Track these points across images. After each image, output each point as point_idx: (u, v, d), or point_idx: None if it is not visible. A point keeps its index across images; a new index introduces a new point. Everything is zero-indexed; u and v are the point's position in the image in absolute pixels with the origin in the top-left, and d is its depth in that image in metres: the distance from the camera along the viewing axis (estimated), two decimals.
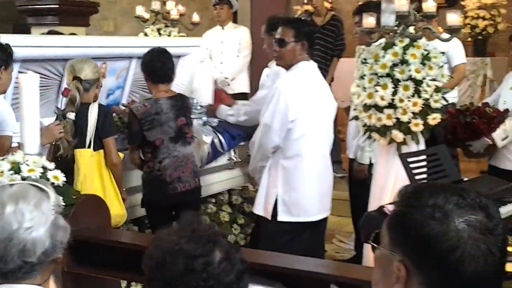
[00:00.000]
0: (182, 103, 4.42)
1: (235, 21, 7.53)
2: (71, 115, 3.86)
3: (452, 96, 6.06)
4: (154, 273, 1.54)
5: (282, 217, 3.92)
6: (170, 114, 4.32)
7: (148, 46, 4.69)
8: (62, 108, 3.95)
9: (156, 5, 7.15)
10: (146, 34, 6.95)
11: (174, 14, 7.01)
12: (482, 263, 1.26)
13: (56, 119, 3.87)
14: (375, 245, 1.42)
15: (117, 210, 3.94)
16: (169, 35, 6.85)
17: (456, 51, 6.02)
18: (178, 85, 5.41)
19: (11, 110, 3.83)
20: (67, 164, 3.77)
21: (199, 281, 1.49)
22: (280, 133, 3.88)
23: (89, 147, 3.93)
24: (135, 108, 4.26)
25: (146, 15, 7.13)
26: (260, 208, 3.99)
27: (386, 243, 1.37)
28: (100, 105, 4.07)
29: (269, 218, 3.94)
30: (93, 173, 3.92)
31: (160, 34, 6.90)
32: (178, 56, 5.41)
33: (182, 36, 6.95)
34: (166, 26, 7.01)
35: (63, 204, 3.24)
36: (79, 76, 3.91)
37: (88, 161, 3.91)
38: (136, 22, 7.26)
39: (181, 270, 1.50)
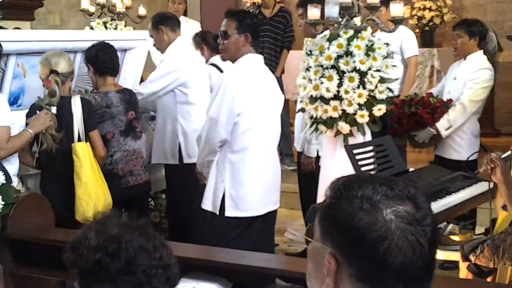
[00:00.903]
0: (130, 97, 4.50)
1: (185, 15, 7.45)
2: (53, 109, 3.92)
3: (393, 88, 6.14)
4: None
5: (229, 212, 3.88)
6: (120, 108, 4.38)
7: (94, 39, 4.67)
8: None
9: None
10: (92, 28, 6.83)
11: (120, 7, 6.91)
12: (410, 254, 1.25)
13: (42, 109, 3.93)
14: (308, 238, 1.41)
15: (108, 200, 4.08)
16: (115, 29, 6.75)
17: (409, 43, 6.07)
18: (125, 79, 5.35)
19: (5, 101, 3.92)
20: (49, 160, 3.95)
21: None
22: (227, 127, 3.84)
23: (79, 140, 4.02)
24: None
25: (92, 9, 7.01)
26: (209, 203, 3.95)
27: (317, 236, 1.36)
28: (82, 98, 4.14)
29: (217, 213, 3.90)
30: (88, 165, 4.01)
31: (106, 27, 6.79)
32: (125, 50, 5.34)
33: (129, 29, 6.85)
34: (112, 19, 6.90)
35: (3, 203, 3.21)
36: (56, 69, 3.97)
37: (84, 154, 4.01)
38: (82, 16, 7.14)
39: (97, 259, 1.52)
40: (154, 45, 5.08)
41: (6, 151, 3.76)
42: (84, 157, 3.99)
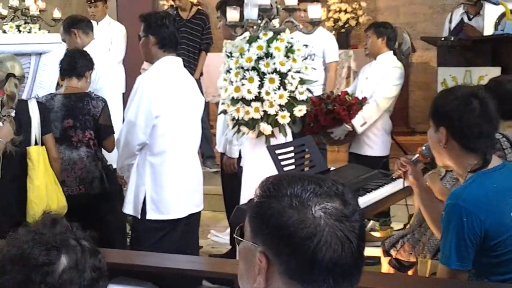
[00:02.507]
0: (75, 104, 4.33)
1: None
2: (12, 112, 3.87)
3: (317, 89, 6.27)
4: None
5: (151, 215, 3.84)
6: (58, 114, 4.28)
7: (6, 43, 4.54)
8: None
9: (14, 1, 6.83)
10: (5, 31, 6.62)
11: (33, 10, 6.72)
12: (340, 249, 1.28)
13: None
14: (239, 238, 1.42)
15: (62, 202, 4.05)
16: (29, 32, 6.57)
17: (331, 48, 6.23)
18: (41, 83, 5.23)
19: None
20: (8, 162, 3.91)
21: None
22: (145, 130, 3.79)
23: (35, 143, 4.01)
24: None
25: (4, 12, 6.81)
26: (130, 207, 3.90)
27: (248, 235, 1.37)
28: (38, 102, 4.13)
29: (139, 217, 3.86)
30: (41, 168, 3.99)
31: (20, 31, 6.59)
32: (40, 54, 5.22)
33: (43, 32, 6.68)
34: (26, 22, 6.71)
35: None
36: (13, 72, 3.94)
37: (39, 157, 3.98)
38: None
39: (19, 280, 1.41)
40: (67, 49, 4.98)
41: None
42: (38, 161, 3.96)
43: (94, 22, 7.01)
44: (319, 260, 1.27)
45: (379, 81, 5.29)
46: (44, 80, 5.34)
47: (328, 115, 5.13)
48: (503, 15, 5.22)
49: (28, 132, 3.98)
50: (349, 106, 5.15)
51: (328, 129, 5.23)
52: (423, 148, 2.88)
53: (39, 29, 6.72)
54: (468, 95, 2.53)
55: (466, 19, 6.00)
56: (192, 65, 7.04)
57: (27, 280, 1.41)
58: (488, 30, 5.45)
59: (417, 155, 2.91)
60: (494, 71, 4.63)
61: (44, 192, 3.96)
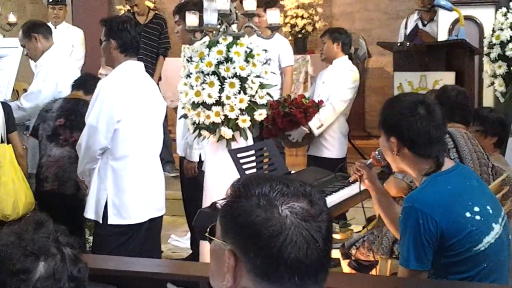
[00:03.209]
0: (71, 106, 4.51)
1: None
2: None
3: (274, 94, 6.33)
4: None
5: (113, 219, 3.83)
6: (54, 114, 4.48)
7: None
8: None
9: None
10: None
11: None
12: (305, 248, 1.31)
13: None
14: (210, 237, 1.44)
15: (30, 198, 4.25)
16: None
17: (286, 53, 6.30)
18: None
19: None
20: None
21: None
22: (107, 134, 3.78)
23: (1, 141, 4.16)
24: None
25: None
26: (91, 211, 3.87)
27: (219, 234, 1.39)
28: (2, 103, 4.31)
29: (100, 221, 3.84)
30: (8, 165, 4.14)
31: None
32: None
33: None
34: None
35: None
36: None
37: (4, 155, 4.13)
38: None
39: None
40: (27, 54, 4.92)
41: None
42: (4, 158, 4.10)
43: (52, 26, 6.97)
44: (284, 258, 1.30)
45: (334, 85, 5.39)
46: (0, 84, 5.27)
47: (285, 117, 5.21)
48: (456, 21, 5.35)
49: None
50: (306, 108, 5.24)
51: (286, 131, 5.31)
52: (376, 152, 2.94)
53: None
54: (414, 103, 2.57)
55: (420, 25, 6.14)
56: (150, 69, 7.00)
57: (1, 285, 1.39)
58: (442, 35, 5.58)
59: (371, 160, 2.97)
60: (449, 76, 4.74)
61: (12, 188, 4.10)
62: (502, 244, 2.54)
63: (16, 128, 4.31)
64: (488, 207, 2.54)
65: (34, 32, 4.83)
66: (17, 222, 1.54)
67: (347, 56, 5.55)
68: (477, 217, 2.47)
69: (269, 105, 4.05)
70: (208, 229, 1.47)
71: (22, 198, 4.16)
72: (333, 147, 5.46)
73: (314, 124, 5.29)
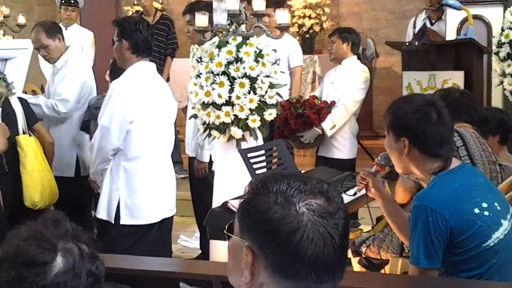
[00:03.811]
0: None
1: None
2: None
3: (283, 94, 6.35)
4: None
5: (125, 220, 3.85)
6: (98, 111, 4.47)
7: None
8: None
9: None
10: None
11: None
12: (322, 245, 1.32)
13: None
14: (228, 234, 1.46)
15: (55, 188, 4.37)
16: None
17: (295, 53, 6.32)
18: None
19: None
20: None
21: None
22: (120, 135, 3.80)
23: (23, 133, 4.28)
24: None
25: None
26: (103, 212, 3.89)
27: (237, 231, 1.41)
28: (19, 98, 4.41)
29: (112, 221, 3.86)
30: (32, 155, 4.26)
31: None
32: (5, 59, 5.16)
33: (8, 38, 6.62)
34: None
35: None
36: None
37: (28, 145, 4.25)
38: None
39: (12, 277, 1.41)
40: (42, 54, 4.91)
41: None
42: (28, 148, 4.22)
43: (62, 27, 7.00)
44: (301, 255, 1.31)
45: (346, 85, 5.36)
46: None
47: (298, 119, 5.17)
48: (464, 20, 5.34)
49: (15, 125, 4.23)
50: (319, 109, 5.21)
51: (298, 132, 5.27)
52: (379, 158, 2.95)
53: (3, 35, 6.67)
54: (426, 105, 2.58)
55: (428, 24, 6.14)
56: (157, 70, 7.02)
57: (19, 278, 1.40)
58: (450, 35, 5.58)
59: (375, 166, 2.98)
60: (457, 75, 4.74)
61: (38, 176, 4.21)
62: (511, 240, 2.55)
63: (38, 120, 4.46)
64: (496, 204, 2.56)
65: (59, 33, 4.84)
66: (34, 219, 1.55)
67: (356, 56, 5.53)
68: (486, 213, 2.49)
69: (279, 105, 4.06)
70: (226, 227, 1.48)
71: (47, 187, 4.27)
72: (344, 147, 5.42)
73: (327, 125, 5.25)
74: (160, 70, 7.14)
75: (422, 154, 2.58)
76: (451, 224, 2.44)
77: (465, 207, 2.48)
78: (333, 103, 5.30)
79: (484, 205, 2.50)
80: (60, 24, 6.88)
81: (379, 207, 3.12)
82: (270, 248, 1.33)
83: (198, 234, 5.43)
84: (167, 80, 7.25)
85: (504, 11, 4.62)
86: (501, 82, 4.45)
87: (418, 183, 3.48)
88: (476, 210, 2.48)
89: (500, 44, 4.34)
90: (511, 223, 2.57)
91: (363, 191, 3.10)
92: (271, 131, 5.04)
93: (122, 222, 3.85)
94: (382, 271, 3.42)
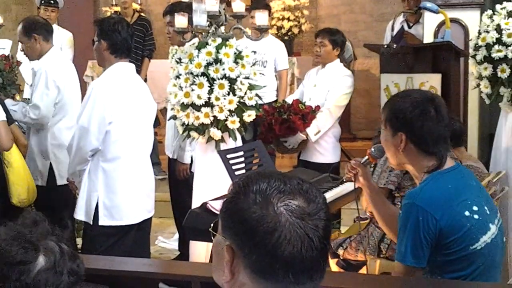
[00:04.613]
0: None
1: None
2: None
3: (271, 96, 6.38)
4: None
5: (104, 221, 3.83)
6: None
7: None
8: None
9: None
10: None
11: None
12: (299, 246, 1.31)
13: None
14: (213, 232, 1.46)
15: (34, 186, 4.41)
16: None
17: (282, 56, 6.34)
18: None
19: None
20: None
21: None
22: (98, 136, 3.78)
23: None
24: None
25: None
26: (82, 213, 3.87)
27: (219, 229, 1.42)
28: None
29: (91, 222, 3.84)
30: (15, 152, 4.32)
31: None
32: None
33: None
34: None
35: None
36: None
37: (14, 144, 4.30)
38: None
39: None
40: (22, 49, 4.84)
41: None
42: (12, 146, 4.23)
43: None
44: (278, 255, 1.31)
45: (330, 89, 5.32)
46: None
47: (283, 124, 5.12)
48: (442, 23, 5.38)
49: None
50: (304, 115, 5.17)
51: (282, 138, 5.23)
52: (372, 149, 2.95)
53: None
54: (425, 102, 2.58)
55: (406, 27, 6.18)
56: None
57: (2, 277, 1.41)
58: (428, 38, 5.62)
59: (367, 157, 2.98)
60: (435, 78, 4.77)
61: (23, 173, 4.27)
62: (497, 245, 2.57)
63: (13, 121, 4.41)
64: (486, 208, 2.57)
65: (35, 33, 4.69)
66: (15, 220, 1.56)
67: (338, 60, 5.51)
68: (476, 216, 2.50)
69: (263, 111, 4.06)
70: (211, 224, 1.48)
71: (31, 184, 4.33)
72: (326, 151, 5.36)
73: (312, 130, 5.20)
74: (138, 71, 7.12)
75: (418, 151, 2.58)
76: (441, 225, 2.45)
77: (456, 209, 2.49)
78: (317, 107, 5.27)
79: (475, 208, 2.51)
80: None
81: (356, 208, 3.15)
82: (248, 248, 1.34)
83: (177, 235, 5.42)
84: (144, 81, 7.24)
85: (481, 15, 4.66)
86: (478, 85, 4.48)
87: (387, 190, 3.51)
88: (467, 213, 2.49)
89: (477, 47, 4.37)
90: (498, 228, 2.59)
91: (347, 189, 3.11)
92: (254, 136, 5.05)
93: (101, 223, 3.83)
94: (360, 271, 3.45)
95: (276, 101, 5.89)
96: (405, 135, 2.58)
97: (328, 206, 1.42)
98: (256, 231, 1.32)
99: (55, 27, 6.99)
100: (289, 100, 5.46)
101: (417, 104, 2.58)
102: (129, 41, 3.94)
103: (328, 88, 5.33)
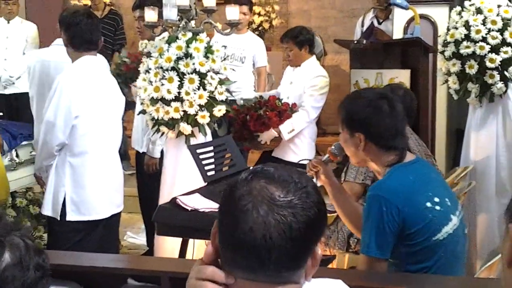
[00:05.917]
0: None
1: None
2: None
3: (249, 92, 6.37)
4: None
5: (71, 216, 3.78)
6: None
7: None
8: None
9: None
10: None
11: None
12: (271, 237, 1.30)
13: None
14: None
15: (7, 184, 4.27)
16: None
17: (261, 53, 6.31)
18: None
19: None
20: None
21: None
22: (65, 130, 3.73)
23: None
24: None
25: None
26: (48, 208, 3.83)
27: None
28: None
29: (58, 218, 3.79)
30: None
31: None
32: None
33: None
34: None
35: None
36: None
37: None
38: None
39: None
40: None
41: None
42: None
43: (4, 21, 6.85)
44: (249, 244, 1.29)
45: (306, 90, 5.29)
46: None
47: (258, 120, 5.08)
48: (411, 20, 5.43)
49: None
50: (281, 112, 5.14)
51: (255, 133, 5.18)
52: (332, 147, 2.96)
53: None
54: (378, 99, 2.62)
55: (376, 23, 6.21)
56: None
57: None
58: (397, 34, 5.66)
59: (327, 155, 2.99)
60: (404, 73, 4.81)
61: (3, 174, 4.18)
62: (459, 236, 2.61)
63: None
64: (447, 199, 2.61)
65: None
66: None
67: (314, 56, 5.47)
68: (437, 207, 2.54)
69: (229, 102, 4.04)
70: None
71: (6, 183, 4.23)
72: (300, 151, 5.28)
73: (285, 128, 5.13)
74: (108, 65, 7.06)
75: (378, 147, 2.61)
76: (404, 215, 2.47)
77: (418, 199, 2.52)
78: (294, 105, 5.23)
79: (436, 199, 2.55)
80: (2, 18, 6.76)
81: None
82: (223, 236, 1.35)
83: (145, 230, 5.39)
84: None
85: (450, 11, 4.70)
86: (446, 81, 4.52)
87: (365, 186, 3.53)
88: (428, 204, 2.52)
89: (445, 44, 4.41)
90: (459, 219, 2.63)
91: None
92: (228, 132, 5.01)
93: (68, 218, 3.78)
94: (330, 266, 3.46)
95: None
96: (363, 135, 2.61)
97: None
98: (231, 222, 1.32)
99: (18, 20, 6.93)
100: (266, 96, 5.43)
101: (370, 103, 2.61)
102: (90, 34, 3.84)
103: (303, 86, 5.29)
